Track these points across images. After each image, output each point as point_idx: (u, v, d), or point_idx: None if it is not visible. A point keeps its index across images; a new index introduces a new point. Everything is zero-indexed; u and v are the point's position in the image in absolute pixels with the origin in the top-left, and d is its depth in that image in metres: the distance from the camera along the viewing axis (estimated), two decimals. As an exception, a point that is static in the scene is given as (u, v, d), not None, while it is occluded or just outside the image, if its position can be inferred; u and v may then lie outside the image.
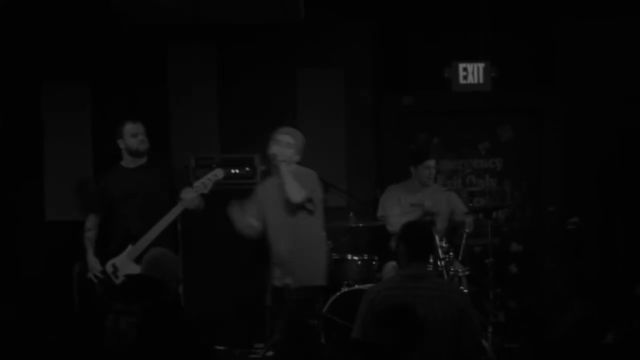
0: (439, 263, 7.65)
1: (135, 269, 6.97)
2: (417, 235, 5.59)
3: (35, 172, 9.35)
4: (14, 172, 9.32)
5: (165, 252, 6.10)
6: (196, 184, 7.30)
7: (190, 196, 7.26)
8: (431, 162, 8.57)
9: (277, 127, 7.17)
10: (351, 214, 8.41)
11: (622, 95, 8.96)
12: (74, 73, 9.32)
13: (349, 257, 8.20)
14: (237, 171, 8.55)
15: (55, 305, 8.37)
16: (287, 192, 6.94)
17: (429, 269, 5.60)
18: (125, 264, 7.25)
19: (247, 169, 8.57)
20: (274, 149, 7.03)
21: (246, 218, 7.19)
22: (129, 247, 7.25)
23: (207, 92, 9.46)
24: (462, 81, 8.94)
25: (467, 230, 8.14)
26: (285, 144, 7.05)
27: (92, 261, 7.35)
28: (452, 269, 7.81)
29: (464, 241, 8.09)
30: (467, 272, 7.94)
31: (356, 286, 7.85)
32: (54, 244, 9.03)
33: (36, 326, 7.94)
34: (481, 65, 8.92)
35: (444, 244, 7.77)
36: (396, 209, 8.51)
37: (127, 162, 7.52)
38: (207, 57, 9.46)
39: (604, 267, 9.05)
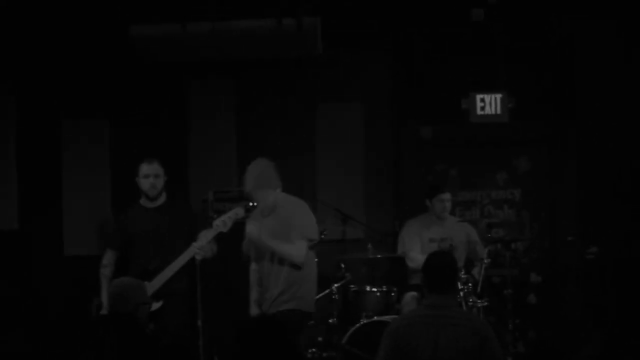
0: (459, 294, 7.65)
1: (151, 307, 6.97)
2: (437, 266, 5.49)
3: (54, 208, 9.40)
4: (33, 207, 9.39)
5: (125, 283, 5.96)
6: (216, 222, 7.15)
7: (206, 241, 7.19)
8: (445, 195, 8.55)
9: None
10: (369, 246, 8.38)
11: (639, 126, 8.94)
12: (93, 108, 9.40)
13: (368, 288, 8.16)
14: (254, 204, 8.53)
15: (73, 340, 8.35)
16: None
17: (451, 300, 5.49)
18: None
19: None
20: None
21: None
22: (145, 284, 7.21)
23: (226, 126, 9.51)
24: (479, 112, 8.90)
25: (485, 262, 8.11)
26: None
27: (106, 298, 7.33)
28: (470, 300, 7.79)
29: (482, 272, 8.06)
30: (485, 303, 7.91)
31: (375, 318, 7.83)
32: (72, 278, 9.05)
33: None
34: (498, 96, 8.89)
35: (462, 275, 7.77)
36: (417, 245, 8.48)
37: (145, 201, 7.50)
38: (226, 91, 9.53)
39: (625, 296, 8.97)
